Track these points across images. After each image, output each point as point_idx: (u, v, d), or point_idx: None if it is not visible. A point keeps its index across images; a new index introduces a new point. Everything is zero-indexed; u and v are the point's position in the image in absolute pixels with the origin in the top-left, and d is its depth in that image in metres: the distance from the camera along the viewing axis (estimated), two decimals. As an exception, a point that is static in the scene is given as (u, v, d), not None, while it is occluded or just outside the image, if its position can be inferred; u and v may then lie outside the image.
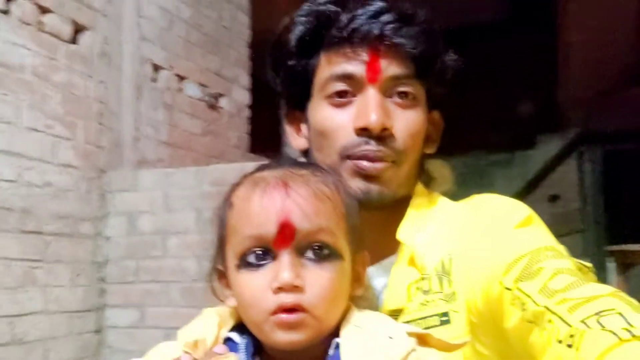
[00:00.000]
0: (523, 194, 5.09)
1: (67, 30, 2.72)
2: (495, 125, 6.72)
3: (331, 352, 0.66)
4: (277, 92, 0.90)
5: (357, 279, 0.73)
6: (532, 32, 6.09)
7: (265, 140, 3.76)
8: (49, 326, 2.55)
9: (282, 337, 0.65)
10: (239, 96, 3.96)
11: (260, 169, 0.73)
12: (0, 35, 2.39)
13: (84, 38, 2.83)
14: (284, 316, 0.64)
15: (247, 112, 4.04)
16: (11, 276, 2.40)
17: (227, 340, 0.71)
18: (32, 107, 2.52)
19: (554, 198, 5.25)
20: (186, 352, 0.69)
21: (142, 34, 3.14)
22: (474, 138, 6.93)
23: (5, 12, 2.42)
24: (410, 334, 0.65)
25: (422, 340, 0.66)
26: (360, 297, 0.75)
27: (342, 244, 0.68)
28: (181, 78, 3.45)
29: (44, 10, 2.59)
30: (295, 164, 0.74)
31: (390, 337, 0.65)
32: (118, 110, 3.01)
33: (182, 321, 0.75)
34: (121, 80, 3.02)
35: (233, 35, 3.92)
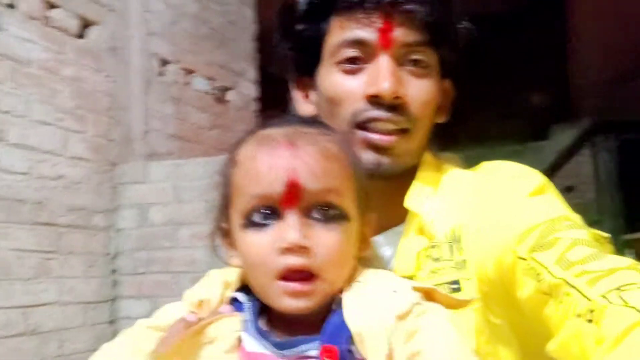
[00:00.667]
0: (537, 185, 5.03)
1: (74, 25, 2.75)
2: (508, 115, 6.67)
3: (334, 307, 0.65)
4: (286, 57, 0.87)
5: (364, 239, 0.71)
6: (544, 21, 6.04)
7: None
8: (63, 317, 2.58)
9: (289, 304, 0.63)
10: (247, 89, 3.98)
11: (266, 125, 0.71)
12: (8, 29, 2.43)
13: (92, 33, 2.86)
14: (294, 285, 0.63)
15: (254, 106, 4.05)
16: (25, 267, 2.43)
17: (233, 301, 0.70)
18: (42, 101, 2.55)
19: (568, 189, 5.20)
20: (192, 312, 0.69)
21: (149, 28, 3.17)
22: (486, 129, 6.89)
23: (12, 6, 2.46)
24: (415, 289, 0.64)
25: (429, 296, 0.65)
26: (368, 261, 0.74)
27: (349, 205, 0.67)
28: (188, 72, 3.48)
29: (50, 5, 2.62)
30: (303, 121, 0.73)
31: (395, 291, 0.63)
32: (127, 104, 3.04)
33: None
34: (129, 74, 3.05)
35: (239, 29, 3.94)
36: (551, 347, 0.58)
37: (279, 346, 0.64)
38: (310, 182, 0.64)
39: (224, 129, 3.73)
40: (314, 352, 0.62)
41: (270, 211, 0.65)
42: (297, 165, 0.64)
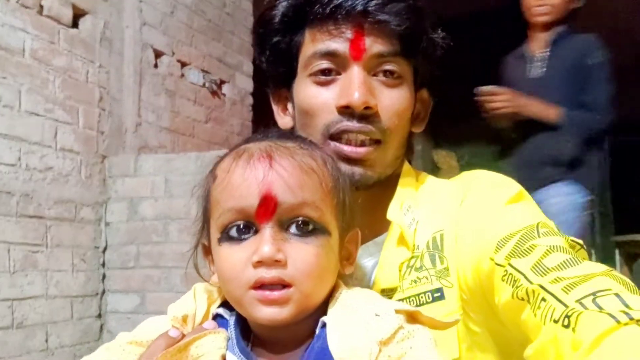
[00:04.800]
0: (530, 184, 5.06)
1: (67, 14, 2.70)
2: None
3: (317, 330, 0.64)
4: (263, 70, 0.88)
5: (348, 257, 0.71)
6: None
7: (268, 128, 3.73)
8: (49, 310, 2.55)
9: (263, 313, 0.62)
10: (242, 83, 3.94)
11: (246, 140, 0.71)
12: (0, 18, 2.38)
13: (85, 22, 2.81)
14: (267, 293, 0.62)
15: (250, 100, 4.02)
16: (12, 260, 2.40)
17: (217, 317, 0.70)
18: (31, 91, 2.51)
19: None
20: (175, 327, 0.68)
21: (143, 19, 3.12)
22: (482, 128, 6.88)
23: (5, -6, 2.41)
24: (399, 312, 0.63)
25: (412, 317, 0.64)
26: (350, 275, 0.73)
27: (329, 219, 0.66)
28: (183, 64, 3.43)
29: (44, -7, 2.58)
30: (282, 136, 0.72)
31: (377, 315, 0.62)
32: (119, 96, 3.00)
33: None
34: (122, 65, 3.01)
35: (236, 22, 3.90)
36: (528, 352, 0.59)
37: None
38: (285, 195, 0.63)
39: (219, 123, 3.70)
40: None
41: (246, 225, 0.64)
42: (272, 179, 0.63)
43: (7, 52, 2.41)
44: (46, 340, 2.53)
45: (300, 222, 0.64)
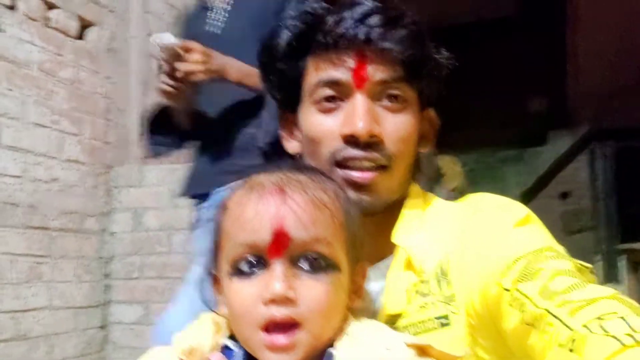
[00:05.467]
0: (534, 191, 5.02)
1: (73, 26, 2.72)
2: (506, 121, 6.66)
3: None
4: (270, 96, 0.89)
5: (356, 290, 0.70)
6: (543, 26, 6.03)
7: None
8: (53, 322, 2.56)
9: (272, 359, 0.62)
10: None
11: (259, 172, 0.70)
12: (7, 31, 2.39)
13: (91, 34, 2.82)
14: (276, 338, 0.61)
15: (254, 108, 4.02)
16: (16, 272, 2.41)
17: (224, 348, 0.69)
18: (38, 103, 2.52)
19: (564, 195, 5.20)
20: (181, 359, 0.67)
21: (149, 29, 3.13)
22: (484, 134, 6.88)
23: (12, 7, 2.42)
24: (409, 345, 0.63)
25: (422, 350, 0.63)
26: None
27: (340, 255, 0.65)
28: (188, 74, 3.44)
29: (50, 6, 2.59)
30: (295, 168, 0.71)
31: (388, 349, 0.62)
32: (125, 106, 3.01)
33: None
34: (128, 76, 3.02)
35: (241, 31, 3.91)
36: None
37: None
38: (298, 231, 0.63)
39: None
40: None
41: (257, 260, 0.63)
42: (285, 214, 0.63)
43: (14, 65, 2.42)
44: (50, 352, 2.54)
45: (311, 258, 0.63)
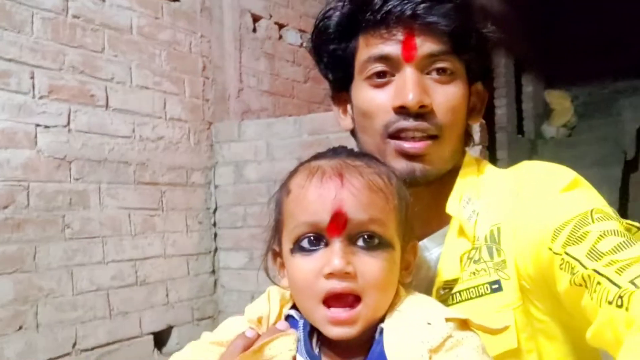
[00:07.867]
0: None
1: (168, -11, 2.83)
2: (622, 49, 6.15)
3: (377, 336, 0.69)
4: (324, 77, 0.93)
5: (406, 267, 0.75)
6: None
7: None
8: (168, 268, 2.79)
9: (334, 332, 0.68)
10: (340, 39, 3.94)
11: (317, 157, 0.76)
12: (107, 0, 2.54)
13: (185, -5, 2.93)
14: (338, 313, 0.67)
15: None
16: (133, 224, 2.64)
17: (288, 317, 0.76)
18: (140, 66, 2.68)
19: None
20: (251, 328, 0.75)
21: (240, -15, 3.19)
22: (598, 65, 6.41)
23: (110, -23, 2.56)
24: (449, 320, 0.66)
25: (463, 323, 0.67)
26: (414, 272, 0.77)
27: (392, 234, 0.70)
28: (280, 26, 3.49)
29: (145, -29, 2.70)
30: (351, 154, 0.77)
31: (429, 323, 0.66)
32: (221, 64, 3.12)
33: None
34: (223, 33, 3.12)
35: (332, -22, 3.87)
36: (588, 335, 0.61)
37: None
38: (355, 212, 0.68)
39: (317, 82, 3.74)
40: None
41: (317, 238, 0.69)
42: (343, 197, 0.68)
43: (116, 32, 2.57)
44: (167, 295, 2.79)
45: (367, 237, 0.69)
